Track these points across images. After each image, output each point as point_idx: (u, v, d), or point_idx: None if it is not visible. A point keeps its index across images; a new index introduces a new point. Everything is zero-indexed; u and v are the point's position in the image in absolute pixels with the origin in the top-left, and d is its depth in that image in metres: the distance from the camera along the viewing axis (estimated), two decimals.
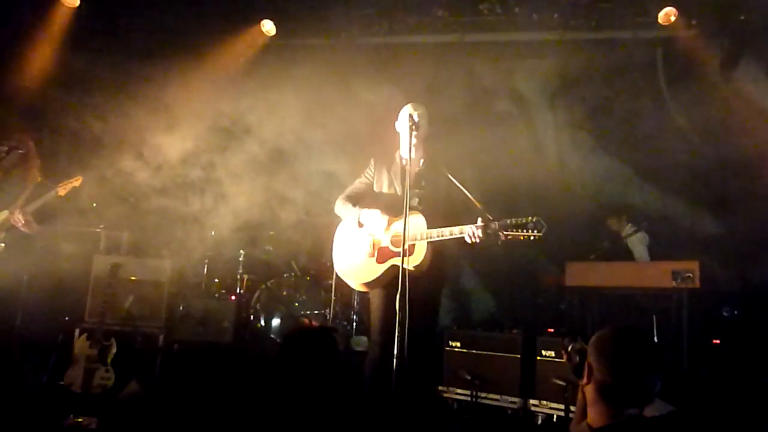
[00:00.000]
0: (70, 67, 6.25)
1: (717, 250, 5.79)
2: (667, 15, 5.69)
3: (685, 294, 4.77)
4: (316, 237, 6.21)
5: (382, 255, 3.69)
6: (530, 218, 3.28)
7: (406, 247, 3.31)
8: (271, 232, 6.10)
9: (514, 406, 4.59)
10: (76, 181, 4.84)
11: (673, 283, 4.71)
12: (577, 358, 1.92)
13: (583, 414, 1.91)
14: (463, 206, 3.61)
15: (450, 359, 4.97)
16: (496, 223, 3.34)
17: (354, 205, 3.85)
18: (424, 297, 3.32)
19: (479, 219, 3.39)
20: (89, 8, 6.27)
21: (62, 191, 4.70)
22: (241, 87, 6.77)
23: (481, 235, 3.36)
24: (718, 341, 5.17)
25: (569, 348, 1.99)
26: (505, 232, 3.33)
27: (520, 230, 3.30)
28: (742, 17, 5.80)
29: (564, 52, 6.51)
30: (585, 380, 1.84)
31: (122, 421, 3.63)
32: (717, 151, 6.03)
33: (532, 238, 3.27)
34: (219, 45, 6.60)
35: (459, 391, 4.85)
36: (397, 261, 3.56)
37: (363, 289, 3.84)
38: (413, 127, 3.59)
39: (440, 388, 4.92)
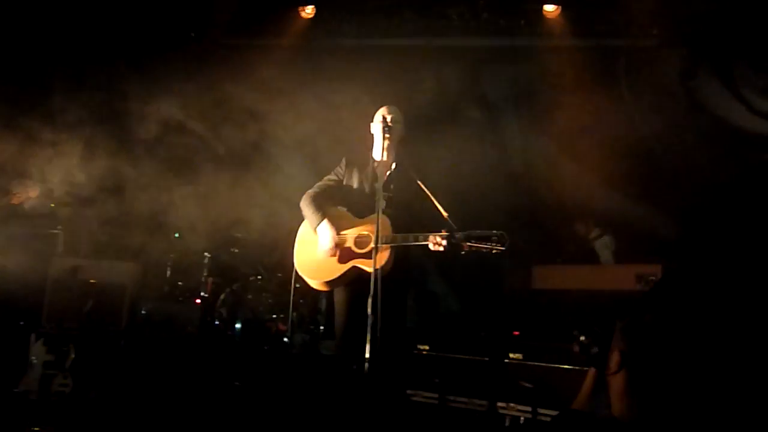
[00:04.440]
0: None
1: (679, 253, 5.95)
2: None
3: None
4: (283, 239, 6.13)
5: (343, 255, 3.68)
6: (494, 231, 3.37)
7: (373, 248, 3.31)
8: (238, 234, 5.99)
9: (482, 409, 4.62)
10: (32, 192, 4.79)
11: (637, 286, 4.82)
12: (596, 348, 1.85)
13: (589, 399, 1.86)
14: (429, 212, 3.65)
15: (418, 362, 4.97)
16: (461, 233, 3.42)
17: (319, 206, 3.79)
18: (389, 299, 3.31)
19: (443, 229, 3.45)
20: None
21: (16, 200, 4.65)
22: (205, 86, 6.67)
23: (445, 245, 3.43)
24: None
25: (582, 338, 1.90)
26: (468, 243, 3.41)
27: (483, 242, 3.38)
28: (701, 29, 6.00)
29: (529, 57, 6.63)
30: (614, 369, 1.72)
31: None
32: (676, 157, 6.20)
33: (494, 251, 3.37)
34: (184, 43, 6.47)
35: (427, 393, 4.84)
36: (358, 262, 3.62)
37: (322, 288, 3.83)
38: (386, 129, 3.61)
39: (408, 391, 4.91)
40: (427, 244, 3.50)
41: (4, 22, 5.80)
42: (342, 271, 3.65)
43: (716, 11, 5.72)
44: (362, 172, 3.87)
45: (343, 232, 3.72)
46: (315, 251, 3.76)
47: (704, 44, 6.10)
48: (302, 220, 3.91)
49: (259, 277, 5.89)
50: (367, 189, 3.80)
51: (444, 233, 3.44)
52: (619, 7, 6.02)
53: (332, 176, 3.95)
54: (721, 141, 6.04)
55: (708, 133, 6.12)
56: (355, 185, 3.87)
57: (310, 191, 3.89)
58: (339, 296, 3.79)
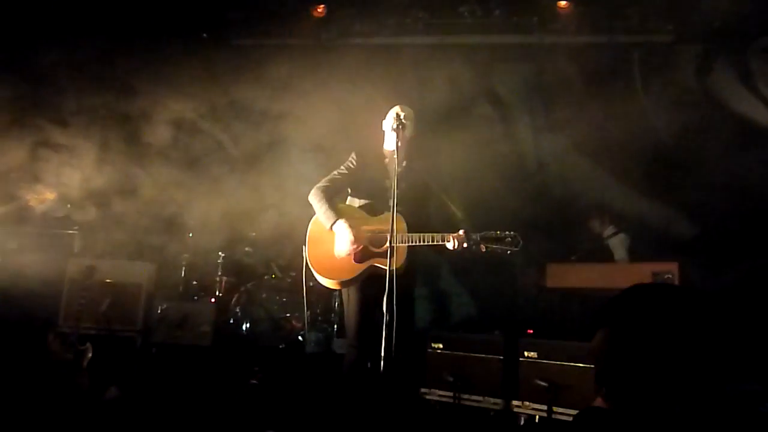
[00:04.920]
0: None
1: (695, 251, 5.90)
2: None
3: None
4: (296, 238, 6.16)
5: (360, 254, 3.66)
6: (508, 233, 3.48)
7: (390, 246, 3.30)
8: (252, 234, 6.02)
9: (497, 407, 4.60)
10: (50, 195, 4.85)
11: None
12: None
13: None
14: (439, 211, 3.66)
15: (432, 361, 4.96)
16: (478, 235, 3.51)
17: (331, 204, 3.74)
18: (400, 296, 3.32)
19: (461, 230, 3.50)
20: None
21: (34, 202, 4.71)
22: (218, 87, 6.71)
23: (465, 245, 3.49)
24: None
25: None
26: (484, 244, 3.50)
27: (498, 244, 3.48)
28: (716, 24, 5.94)
29: (543, 55, 6.60)
30: None
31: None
32: (692, 154, 6.15)
33: (508, 252, 3.49)
34: (196, 41, 6.51)
35: (441, 392, 4.83)
36: (376, 262, 3.60)
37: (336, 287, 3.79)
38: (398, 127, 3.60)
39: (422, 389, 4.91)
40: (443, 244, 3.53)
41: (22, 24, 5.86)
42: (360, 270, 3.62)
43: (732, 6, 5.65)
44: (374, 168, 3.86)
45: (345, 246, 3.70)
46: (329, 249, 3.72)
47: (720, 40, 6.04)
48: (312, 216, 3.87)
49: (273, 275, 5.92)
50: (378, 185, 3.79)
51: (461, 234, 3.49)
52: (633, 3, 5.98)
53: (342, 169, 3.89)
54: (738, 137, 5.97)
55: (724, 129, 6.05)
56: (367, 181, 3.86)
57: (319, 185, 3.83)
58: (350, 295, 3.77)
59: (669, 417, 1.37)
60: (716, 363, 1.41)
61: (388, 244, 3.34)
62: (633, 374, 1.42)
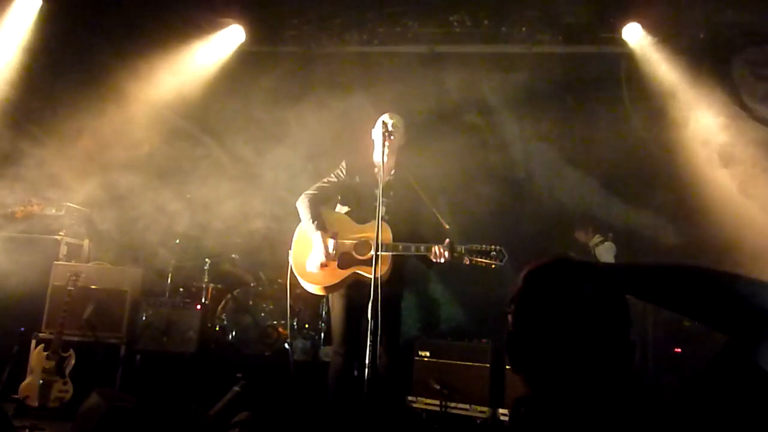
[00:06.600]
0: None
1: (682, 260, 5.92)
2: None
3: (650, 303, 4.85)
4: (283, 245, 6.13)
5: (344, 261, 3.67)
6: (493, 247, 3.49)
7: (373, 255, 3.30)
8: (238, 240, 5.99)
9: (484, 416, 4.60)
10: (37, 207, 4.83)
11: None
12: None
13: None
14: (427, 220, 3.66)
15: (419, 369, 4.95)
16: (462, 247, 3.51)
17: (315, 213, 3.78)
18: (385, 304, 3.31)
19: (446, 240, 3.46)
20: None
21: (20, 214, 4.71)
22: (209, 92, 6.70)
23: (447, 257, 3.49)
24: (679, 350, 5.28)
25: None
26: (468, 257, 3.50)
27: (483, 257, 3.49)
28: (701, 36, 6.00)
29: (531, 65, 6.64)
30: None
31: None
32: (676, 163, 6.19)
33: (493, 266, 3.49)
34: (187, 49, 6.49)
35: (428, 401, 4.83)
36: (359, 269, 3.62)
37: (320, 292, 3.80)
38: (386, 134, 3.61)
39: (409, 398, 4.89)
40: (426, 254, 3.53)
41: None
42: (342, 277, 3.64)
43: (716, 18, 5.72)
44: (363, 177, 3.87)
45: (342, 239, 3.71)
46: (314, 255, 3.73)
47: (704, 51, 6.10)
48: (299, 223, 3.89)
49: (260, 283, 5.89)
50: (367, 193, 3.80)
51: (445, 246, 3.47)
52: (619, 14, 6.04)
53: (332, 177, 3.94)
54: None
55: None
56: (357, 188, 3.87)
57: (307, 192, 3.87)
58: (335, 302, 3.78)
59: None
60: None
61: (371, 252, 3.35)
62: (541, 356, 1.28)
